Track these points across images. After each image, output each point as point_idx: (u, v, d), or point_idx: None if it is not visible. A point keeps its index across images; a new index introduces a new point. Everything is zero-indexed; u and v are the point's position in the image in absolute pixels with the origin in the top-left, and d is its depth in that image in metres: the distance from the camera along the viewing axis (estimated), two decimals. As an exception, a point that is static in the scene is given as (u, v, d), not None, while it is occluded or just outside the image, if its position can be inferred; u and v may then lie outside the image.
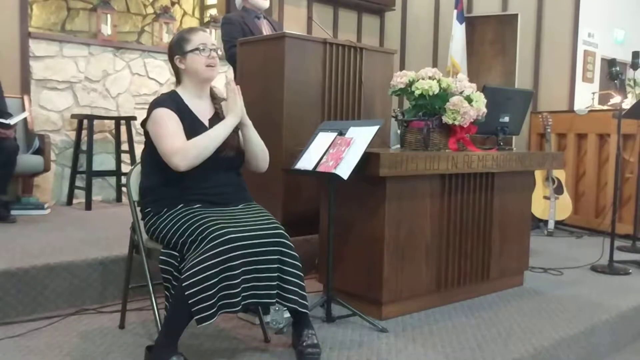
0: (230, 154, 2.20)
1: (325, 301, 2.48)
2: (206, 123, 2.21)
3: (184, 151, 2.04)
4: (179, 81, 2.28)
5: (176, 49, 2.22)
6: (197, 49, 2.18)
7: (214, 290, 1.85)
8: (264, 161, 2.34)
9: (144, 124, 2.18)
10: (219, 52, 2.25)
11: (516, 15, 6.08)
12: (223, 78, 5.38)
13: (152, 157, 2.15)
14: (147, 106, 2.24)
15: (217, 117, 2.24)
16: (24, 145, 4.02)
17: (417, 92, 2.73)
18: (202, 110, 2.23)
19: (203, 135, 2.11)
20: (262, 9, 3.87)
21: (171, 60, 2.26)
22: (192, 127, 2.15)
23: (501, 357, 2.16)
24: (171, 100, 2.18)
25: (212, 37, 2.29)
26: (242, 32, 3.64)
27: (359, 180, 2.43)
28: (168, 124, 2.10)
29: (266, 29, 3.83)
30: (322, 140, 2.48)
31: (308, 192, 3.08)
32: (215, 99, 2.31)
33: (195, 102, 2.23)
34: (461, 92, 2.78)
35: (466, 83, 2.82)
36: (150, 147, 2.17)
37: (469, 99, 2.73)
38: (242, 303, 1.91)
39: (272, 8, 5.46)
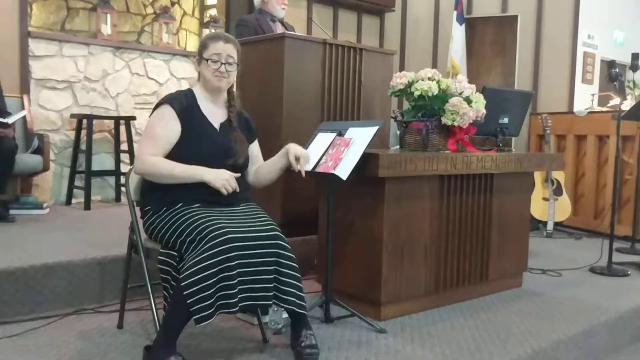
0: (240, 162, 2.22)
1: (324, 302, 2.48)
2: (216, 126, 2.23)
3: (145, 164, 2.09)
4: (198, 79, 2.30)
5: (198, 51, 2.26)
6: (209, 58, 2.19)
7: (212, 290, 1.85)
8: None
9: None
10: (233, 66, 2.22)
11: (516, 16, 6.09)
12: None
13: None
14: (146, 106, 2.25)
15: (228, 123, 2.26)
16: (23, 144, 4.01)
17: (417, 93, 2.73)
18: (215, 113, 2.24)
19: (172, 165, 2.09)
20: (278, 17, 3.90)
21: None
22: (200, 126, 2.17)
23: (500, 358, 2.16)
24: (184, 98, 2.20)
25: (231, 48, 2.25)
26: (255, 34, 3.64)
27: (358, 180, 2.42)
28: (158, 127, 2.13)
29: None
30: (322, 140, 2.48)
31: (307, 193, 3.08)
32: (231, 106, 2.30)
33: (208, 104, 2.24)
34: (460, 93, 2.78)
35: (465, 84, 2.82)
36: None
37: (468, 100, 2.74)
38: (240, 304, 1.91)
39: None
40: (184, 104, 2.17)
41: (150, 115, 2.20)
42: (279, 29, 3.86)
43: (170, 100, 2.17)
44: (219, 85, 2.22)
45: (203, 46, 2.22)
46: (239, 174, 2.18)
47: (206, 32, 5.89)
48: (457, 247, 2.80)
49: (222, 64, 2.18)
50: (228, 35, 2.27)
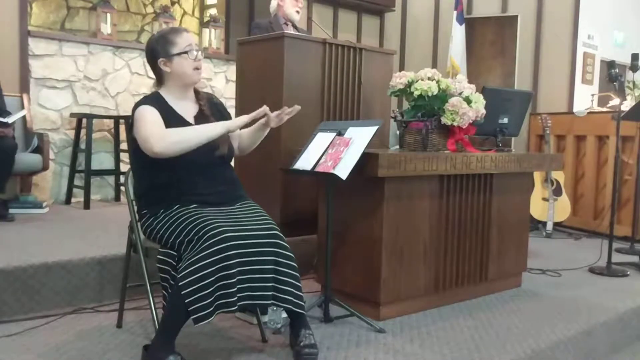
0: (224, 151, 2.19)
1: (323, 301, 2.48)
2: (191, 121, 2.19)
3: (162, 135, 2.02)
4: (160, 82, 2.24)
5: (161, 52, 2.17)
6: (184, 52, 2.15)
7: (211, 289, 1.85)
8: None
9: (131, 129, 2.16)
10: (202, 54, 2.22)
11: (516, 16, 6.09)
12: (222, 78, 5.39)
13: (143, 160, 2.11)
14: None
15: (201, 115, 2.22)
16: (22, 143, 4.01)
17: (417, 93, 2.73)
18: (187, 109, 2.21)
19: (191, 127, 2.10)
20: (293, 20, 3.92)
21: (153, 62, 2.20)
22: (178, 125, 2.12)
23: (499, 358, 2.16)
24: (154, 101, 2.15)
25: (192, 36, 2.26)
26: None
27: (357, 180, 2.42)
28: (148, 116, 2.07)
29: None
30: (321, 140, 2.48)
31: (307, 193, 3.08)
32: (199, 95, 2.28)
33: (179, 102, 2.20)
34: (460, 93, 2.78)
35: (465, 84, 2.82)
36: (139, 151, 2.13)
37: (468, 100, 2.74)
38: (239, 304, 1.91)
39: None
40: (157, 105, 2.13)
41: (132, 120, 2.14)
42: (290, 32, 3.88)
43: (144, 102, 2.13)
44: (198, 78, 2.21)
45: (169, 44, 2.15)
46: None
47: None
48: (457, 247, 2.80)
49: (196, 52, 2.17)
50: (182, 27, 2.29)
